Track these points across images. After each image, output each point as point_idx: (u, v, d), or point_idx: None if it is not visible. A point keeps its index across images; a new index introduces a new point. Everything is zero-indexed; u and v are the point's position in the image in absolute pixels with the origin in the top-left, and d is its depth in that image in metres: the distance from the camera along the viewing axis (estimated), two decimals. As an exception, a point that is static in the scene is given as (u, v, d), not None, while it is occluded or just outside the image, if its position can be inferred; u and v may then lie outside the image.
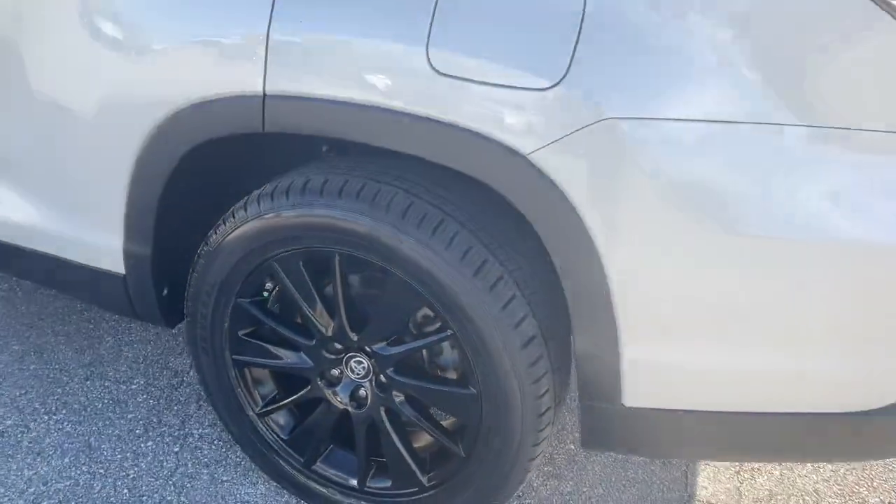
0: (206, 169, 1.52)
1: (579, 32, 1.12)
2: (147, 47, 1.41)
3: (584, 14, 1.11)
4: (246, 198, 1.43)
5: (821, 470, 1.87)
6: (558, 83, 1.13)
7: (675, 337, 1.26)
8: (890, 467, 1.89)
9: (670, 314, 1.25)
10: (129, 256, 1.59)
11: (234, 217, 1.43)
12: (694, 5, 1.12)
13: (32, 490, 1.70)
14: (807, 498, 1.80)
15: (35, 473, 1.74)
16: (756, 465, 1.89)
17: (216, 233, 1.47)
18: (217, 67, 1.34)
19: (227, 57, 1.34)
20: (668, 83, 1.13)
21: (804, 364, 1.24)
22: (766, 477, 1.85)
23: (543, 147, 1.16)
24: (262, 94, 1.29)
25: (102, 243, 1.60)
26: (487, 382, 1.36)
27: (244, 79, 1.31)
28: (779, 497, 1.80)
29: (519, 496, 1.74)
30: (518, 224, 1.29)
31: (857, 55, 1.11)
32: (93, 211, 1.60)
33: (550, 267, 1.28)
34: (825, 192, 1.15)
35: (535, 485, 1.79)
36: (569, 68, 1.12)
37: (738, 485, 1.84)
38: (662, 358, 1.28)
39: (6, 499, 1.68)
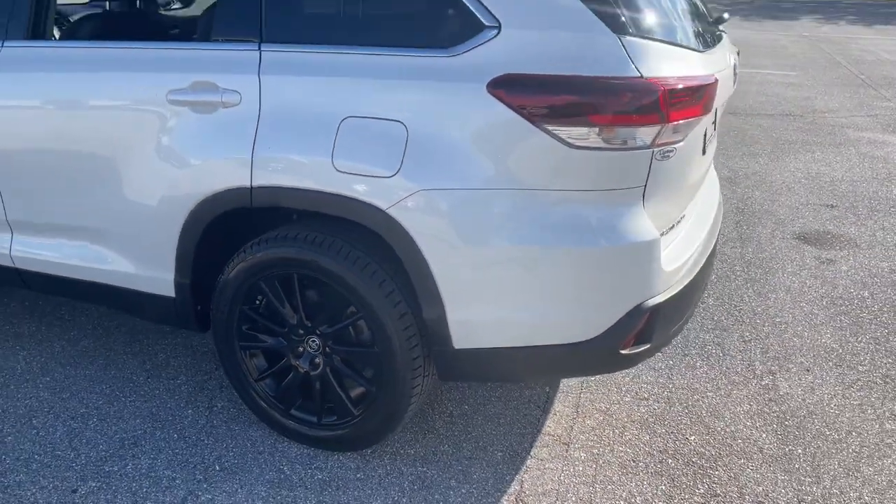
0: (222, 230, 2.58)
1: (405, 148, 2.18)
2: (188, 163, 2.51)
3: (407, 140, 2.18)
4: (246, 246, 2.49)
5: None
6: (396, 173, 2.19)
7: (472, 304, 2.27)
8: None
9: (467, 291, 2.27)
10: (177, 285, 2.66)
11: (239, 257, 2.49)
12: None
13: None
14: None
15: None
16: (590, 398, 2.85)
17: (229, 267, 2.53)
18: (225, 174, 2.43)
19: (230, 169, 2.43)
20: (443, 173, 2.18)
21: (527, 316, 2.24)
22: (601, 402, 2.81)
23: (392, 206, 2.21)
24: (249, 187, 2.38)
25: (162, 277, 2.67)
26: (382, 344, 2.37)
27: (240, 179, 2.39)
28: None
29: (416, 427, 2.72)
30: (389, 247, 2.32)
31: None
32: (158, 258, 2.67)
33: (406, 270, 2.31)
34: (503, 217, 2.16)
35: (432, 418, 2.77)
36: (400, 166, 2.19)
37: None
38: (468, 317, 2.29)
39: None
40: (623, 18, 2.09)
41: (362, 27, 2.31)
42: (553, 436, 2.81)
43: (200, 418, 2.86)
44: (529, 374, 2.65)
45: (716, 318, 3.72)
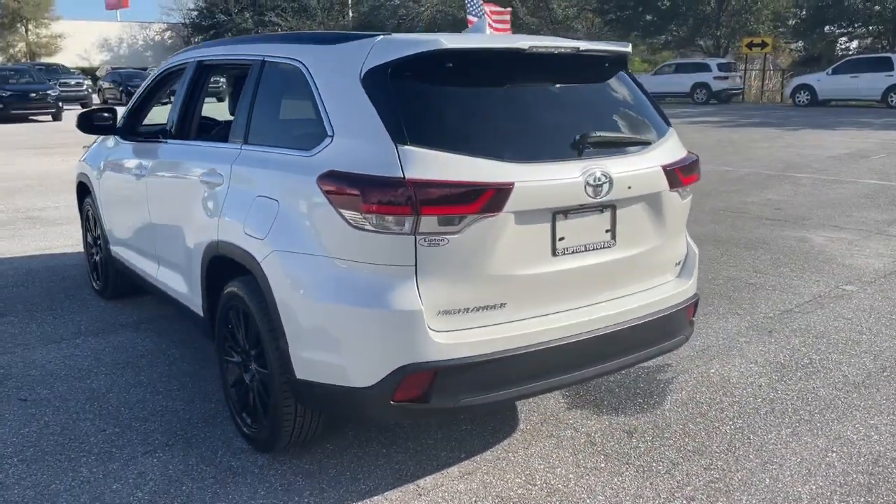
0: (217, 267, 3.49)
1: (275, 219, 2.96)
2: (202, 220, 3.56)
3: (277, 213, 2.95)
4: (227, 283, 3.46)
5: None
6: (266, 237, 2.96)
7: (302, 341, 2.84)
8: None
9: (298, 331, 2.83)
10: (203, 308, 3.74)
11: (223, 291, 3.46)
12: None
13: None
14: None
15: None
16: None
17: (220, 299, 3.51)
18: (210, 230, 3.40)
19: (212, 226, 3.39)
20: (288, 239, 2.88)
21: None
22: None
23: (262, 259, 2.97)
24: (217, 240, 3.36)
25: (197, 301, 3.79)
26: (265, 368, 3.08)
27: (214, 235, 3.38)
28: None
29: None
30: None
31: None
32: (195, 286, 3.79)
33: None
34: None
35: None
36: (269, 231, 2.95)
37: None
38: (302, 352, 2.86)
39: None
40: (407, 133, 2.63)
41: (281, 132, 3.21)
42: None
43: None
44: (336, 411, 3.10)
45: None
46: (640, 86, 3.39)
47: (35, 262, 6.59)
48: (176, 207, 3.90)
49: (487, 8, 20.88)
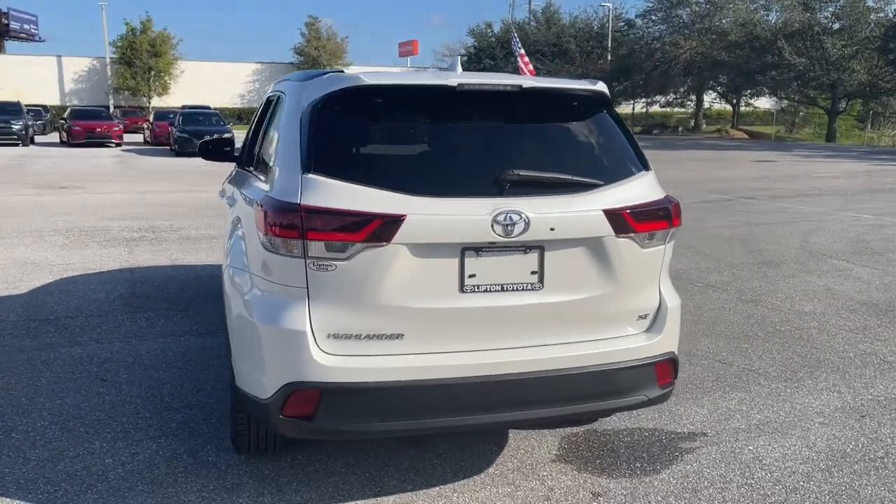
0: None
1: (235, 239, 3.26)
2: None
3: (242, 235, 3.25)
4: None
5: None
6: (228, 253, 3.27)
7: (235, 352, 3.07)
8: None
9: (234, 342, 3.05)
10: None
11: None
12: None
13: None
14: None
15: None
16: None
17: None
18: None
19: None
20: (236, 257, 3.16)
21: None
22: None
23: (223, 274, 3.28)
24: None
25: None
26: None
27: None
28: None
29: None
30: None
31: None
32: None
33: None
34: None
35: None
36: (230, 249, 3.26)
37: None
38: (236, 361, 3.08)
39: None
40: (316, 163, 2.79)
41: (260, 160, 3.52)
42: None
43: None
44: (257, 419, 3.18)
45: None
46: (620, 125, 3.20)
47: (201, 271, 7.63)
48: (225, 228, 4.41)
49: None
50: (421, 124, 3.04)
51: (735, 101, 54.65)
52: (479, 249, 2.82)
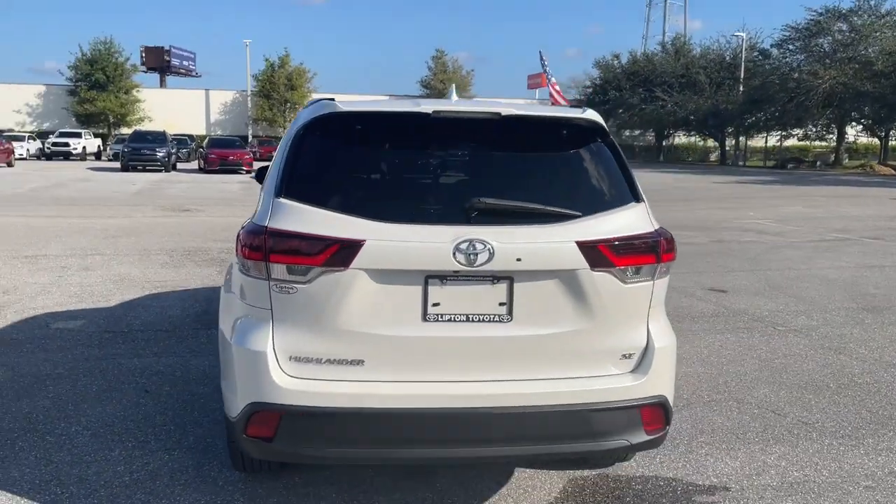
0: None
1: (230, 266, 3.34)
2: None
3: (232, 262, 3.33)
4: None
5: None
6: (224, 282, 3.36)
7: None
8: None
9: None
10: None
11: None
12: None
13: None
14: None
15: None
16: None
17: None
18: None
19: None
20: (227, 284, 3.23)
21: None
22: None
23: (221, 298, 3.38)
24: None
25: None
26: None
27: None
28: None
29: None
30: None
31: None
32: None
33: None
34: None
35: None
36: (225, 274, 3.35)
37: None
38: (221, 379, 3.18)
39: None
40: (289, 187, 2.84)
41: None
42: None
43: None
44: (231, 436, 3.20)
45: None
46: (614, 154, 3.06)
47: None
48: None
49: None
50: (394, 151, 3.03)
51: (883, 134, 50.91)
52: (443, 278, 2.76)
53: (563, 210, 2.85)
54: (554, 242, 2.78)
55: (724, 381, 5.25)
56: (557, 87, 37.71)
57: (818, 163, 51.57)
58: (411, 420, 2.76)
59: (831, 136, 53.61)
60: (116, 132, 53.86)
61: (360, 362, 2.80)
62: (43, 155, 43.94)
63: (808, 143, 56.27)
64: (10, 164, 34.40)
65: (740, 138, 58.60)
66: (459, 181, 3.03)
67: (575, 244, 2.79)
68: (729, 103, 53.11)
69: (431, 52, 69.61)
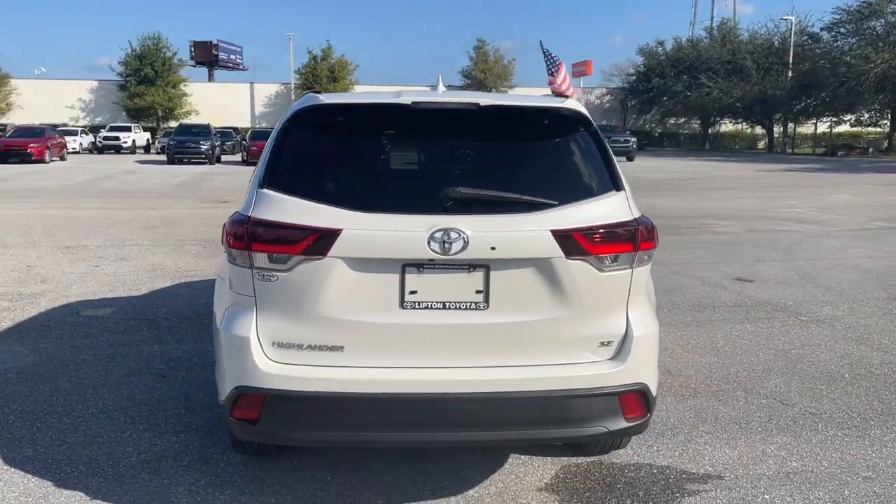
0: None
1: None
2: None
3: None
4: None
5: None
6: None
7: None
8: None
9: None
10: None
11: None
12: None
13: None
14: None
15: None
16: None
17: None
18: None
19: None
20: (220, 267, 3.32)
21: None
22: None
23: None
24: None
25: None
26: None
27: None
28: None
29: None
30: None
31: None
32: None
33: None
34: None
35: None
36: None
37: None
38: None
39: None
40: (272, 177, 2.93)
41: None
42: None
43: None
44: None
45: None
46: (596, 143, 3.07)
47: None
48: None
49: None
50: (375, 142, 3.09)
51: (941, 119, 49.13)
52: (420, 266, 2.82)
53: (538, 199, 2.89)
54: (528, 231, 2.82)
55: (735, 372, 5.21)
56: (561, 80, 36.96)
57: (870, 150, 50.03)
58: (390, 405, 2.83)
59: (885, 121, 51.90)
60: (165, 126, 55.07)
61: (339, 348, 2.88)
62: (95, 149, 45.21)
63: (860, 129, 54.59)
64: (62, 159, 35.47)
65: (789, 125, 57.17)
66: (438, 171, 3.08)
67: (549, 233, 2.82)
68: (777, 89, 51.82)
69: (474, 42, 69.30)
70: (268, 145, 3.18)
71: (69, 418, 4.25)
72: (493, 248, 2.79)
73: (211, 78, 68.31)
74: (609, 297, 2.95)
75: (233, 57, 70.77)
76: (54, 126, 42.18)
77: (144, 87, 57.99)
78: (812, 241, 11.54)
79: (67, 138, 40.08)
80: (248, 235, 2.86)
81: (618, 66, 72.01)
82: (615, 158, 3.15)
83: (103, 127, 50.12)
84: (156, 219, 13.67)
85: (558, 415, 2.91)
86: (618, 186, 3.01)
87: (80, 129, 48.28)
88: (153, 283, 7.97)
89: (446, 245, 2.76)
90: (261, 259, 2.86)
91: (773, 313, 6.89)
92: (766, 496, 3.43)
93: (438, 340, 2.88)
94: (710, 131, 64.37)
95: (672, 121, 65.48)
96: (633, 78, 64.68)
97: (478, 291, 2.86)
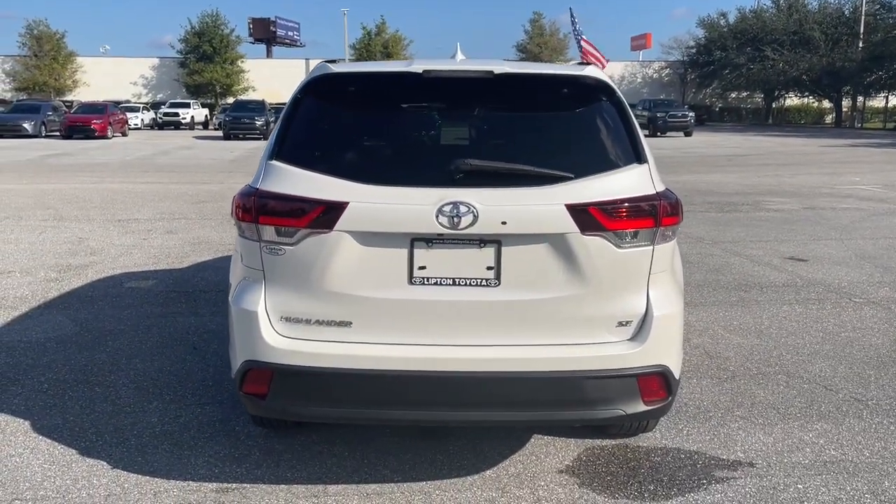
0: None
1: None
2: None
3: None
4: None
5: None
6: None
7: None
8: None
9: None
10: None
11: None
12: None
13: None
14: None
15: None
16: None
17: None
18: None
19: None
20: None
21: None
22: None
23: None
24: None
25: None
26: None
27: None
28: None
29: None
30: None
31: None
32: None
33: None
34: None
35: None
36: None
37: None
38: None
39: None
40: (282, 149, 2.87)
41: None
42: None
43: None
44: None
45: None
46: (620, 113, 2.91)
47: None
48: None
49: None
50: (385, 112, 3.00)
51: None
52: (429, 241, 2.73)
53: (553, 171, 2.75)
54: (541, 205, 2.70)
55: (778, 354, 4.99)
56: (591, 47, 35.99)
57: (946, 124, 47.65)
58: (398, 382, 2.76)
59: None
60: (222, 102, 55.98)
61: (347, 324, 2.82)
62: (156, 125, 46.33)
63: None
64: (124, 134, 36.43)
65: (858, 99, 54.79)
66: (450, 142, 2.98)
67: (564, 207, 2.69)
68: (847, 61, 49.66)
69: (530, 15, 68.24)
70: (281, 116, 3.11)
71: (101, 388, 4.32)
72: (503, 223, 2.68)
73: (269, 54, 69.02)
74: (628, 274, 2.81)
75: (290, 33, 71.31)
76: (116, 103, 43.30)
77: (203, 63, 58.96)
78: (875, 219, 11.03)
79: (129, 114, 41.17)
80: (255, 208, 2.81)
81: (678, 38, 69.88)
82: (640, 130, 2.99)
83: (164, 103, 51.25)
84: (206, 193, 13.89)
85: (572, 396, 2.80)
86: (640, 159, 2.86)
87: (141, 105, 49.53)
88: (197, 255, 8.09)
89: (455, 219, 2.66)
90: (268, 232, 2.81)
91: (824, 294, 6.59)
92: (798, 486, 3.27)
93: (448, 317, 2.79)
94: (773, 106, 62.21)
95: (733, 95, 63.47)
96: (694, 51, 62.83)
97: (489, 268, 2.75)
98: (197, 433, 3.74)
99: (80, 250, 8.36)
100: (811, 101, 61.04)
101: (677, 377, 2.96)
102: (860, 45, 49.55)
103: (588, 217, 2.70)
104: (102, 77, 59.99)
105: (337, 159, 2.90)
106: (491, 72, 2.85)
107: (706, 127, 49.87)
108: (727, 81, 59.33)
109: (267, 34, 67.31)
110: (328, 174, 2.77)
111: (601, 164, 2.82)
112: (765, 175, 18.09)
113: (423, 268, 2.76)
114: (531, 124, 2.96)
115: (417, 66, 2.86)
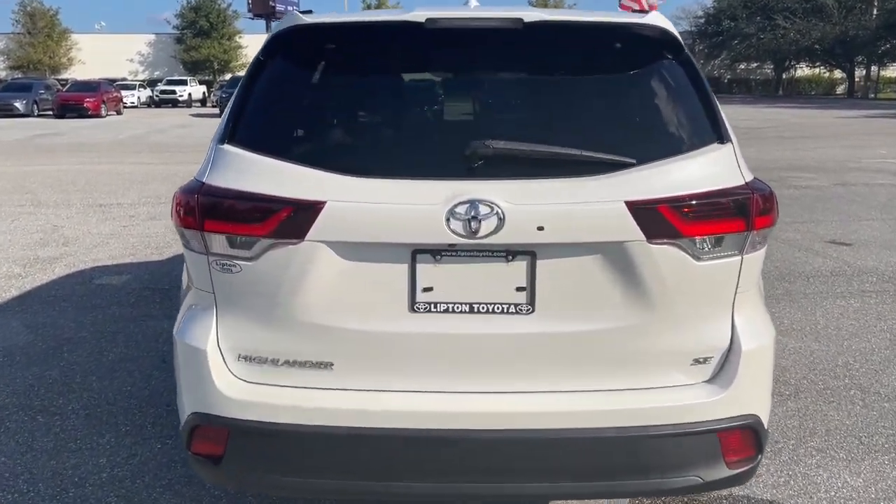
0: None
1: None
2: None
3: None
4: None
5: None
6: None
7: None
8: None
9: None
10: None
11: None
12: None
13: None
14: None
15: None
16: None
17: None
18: None
19: None
20: None
21: None
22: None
23: None
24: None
25: None
26: None
27: None
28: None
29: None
30: None
31: None
32: None
33: None
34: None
35: None
36: None
37: None
38: None
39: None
40: (236, 128, 2.13)
41: None
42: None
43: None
44: None
45: None
46: (692, 78, 2.15)
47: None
48: None
49: None
50: (374, 78, 2.24)
51: None
52: (436, 253, 1.99)
53: (607, 156, 1.99)
54: (592, 203, 1.94)
55: (845, 363, 4.26)
56: None
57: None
58: (397, 444, 2.04)
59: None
60: (220, 79, 54.93)
61: (327, 365, 2.09)
62: (152, 103, 45.33)
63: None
64: (118, 113, 35.48)
65: (872, 68, 53.47)
66: (461, 119, 2.23)
67: (624, 205, 1.94)
68: (861, 29, 48.29)
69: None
70: (239, 85, 2.35)
71: (44, 416, 3.62)
72: (540, 229, 1.93)
73: (268, 30, 67.54)
74: (707, 296, 2.06)
75: (290, 8, 69.74)
76: (111, 80, 42.35)
77: (200, 39, 57.86)
78: (913, 195, 10.24)
79: (125, 92, 40.22)
80: (200, 209, 2.07)
81: (685, 8, 68.45)
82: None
83: (161, 81, 50.24)
84: (197, 174, 13.13)
85: (631, 461, 2.07)
86: (722, 137, 2.09)
87: (137, 83, 48.49)
88: (179, 245, 7.31)
89: (473, 223, 1.91)
90: (219, 243, 2.07)
91: (880, 285, 5.84)
92: (911, 553, 2.55)
93: (463, 356, 2.05)
94: (783, 76, 60.87)
95: (742, 66, 62.06)
96: (702, 20, 61.41)
97: (519, 289, 2.01)
98: (152, 480, 3.04)
99: (52, 240, 7.64)
100: (822, 71, 59.70)
101: (767, 428, 2.23)
102: (874, 12, 48.19)
103: (657, 218, 1.95)
104: (98, 54, 58.89)
105: (310, 142, 2.15)
106: (520, 20, 2.08)
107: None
108: (737, 52, 57.89)
109: (266, 9, 65.78)
110: (298, 162, 2.02)
111: (671, 145, 2.06)
112: (784, 149, 17.22)
113: (428, 290, 2.01)
114: (572, 91, 2.19)
115: (418, 15, 2.09)
